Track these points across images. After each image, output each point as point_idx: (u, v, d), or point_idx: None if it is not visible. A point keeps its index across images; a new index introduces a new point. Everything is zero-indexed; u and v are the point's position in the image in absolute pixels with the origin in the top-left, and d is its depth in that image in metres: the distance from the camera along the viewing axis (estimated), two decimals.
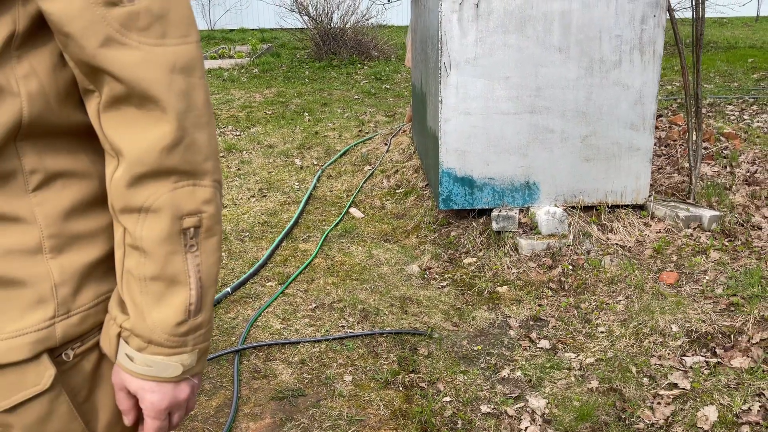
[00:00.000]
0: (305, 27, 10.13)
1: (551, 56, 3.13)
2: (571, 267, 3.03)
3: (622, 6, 3.08)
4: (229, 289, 2.92)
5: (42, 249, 0.67)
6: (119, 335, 0.71)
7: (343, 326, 2.65)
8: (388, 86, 8.08)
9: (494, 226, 3.26)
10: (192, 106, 0.65)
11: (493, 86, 3.16)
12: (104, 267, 0.72)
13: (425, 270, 3.16)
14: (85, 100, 0.67)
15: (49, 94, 0.64)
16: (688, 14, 9.92)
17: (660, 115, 5.17)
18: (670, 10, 3.15)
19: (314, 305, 2.82)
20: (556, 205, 3.32)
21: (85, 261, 0.70)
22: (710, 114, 5.34)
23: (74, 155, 0.69)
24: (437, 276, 3.11)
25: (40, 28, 0.63)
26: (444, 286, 3.01)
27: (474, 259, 3.20)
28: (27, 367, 0.67)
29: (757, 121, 5.05)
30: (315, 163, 4.97)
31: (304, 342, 2.52)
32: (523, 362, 2.41)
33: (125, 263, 0.69)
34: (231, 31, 13.76)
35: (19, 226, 0.66)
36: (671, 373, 2.29)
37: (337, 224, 3.74)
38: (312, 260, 3.26)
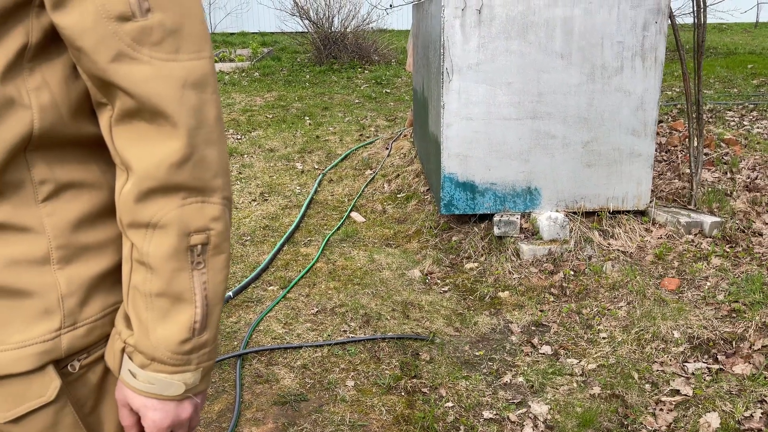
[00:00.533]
0: (306, 31, 10.15)
1: (553, 62, 3.14)
2: (572, 272, 3.03)
3: (624, 13, 3.09)
4: (230, 294, 2.92)
5: (50, 260, 0.66)
6: (123, 350, 0.70)
7: (345, 331, 2.65)
8: (388, 90, 8.09)
9: (496, 231, 3.27)
10: (203, 123, 0.65)
11: (495, 92, 3.17)
12: (112, 279, 0.72)
13: (427, 275, 3.16)
14: (98, 113, 0.67)
15: (61, 106, 0.64)
16: (689, 20, 9.95)
17: (660, 121, 5.19)
18: (671, 16, 3.17)
19: (316, 310, 2.82)
20: (557, 211, 3.32)
21: (93, 272, 0.69)
22: (710, 120, 5.35)
23: (85, 166, 0.68)
24: (439, 281, 3.11)
25: (53, 41, 0.63)
26: (445, 291, 3.01)
27: (475, 264, 3.20)
28: (32, 378, 0.66)
29: (757, 127, 5.06)
30: (316, 167, 4.97)
31: (306, 347, 2.51)
32: (525, 368, 2.41)
33: (132, 278, 0.68)
34: (231, 34, 13.78)
35: (28, 236, 0.65)
36: (673, 380, 2.29)
37: (338, 229, 3.74)
38: (313, 265, 3.26)
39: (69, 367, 0.69)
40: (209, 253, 0.68)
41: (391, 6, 5.15)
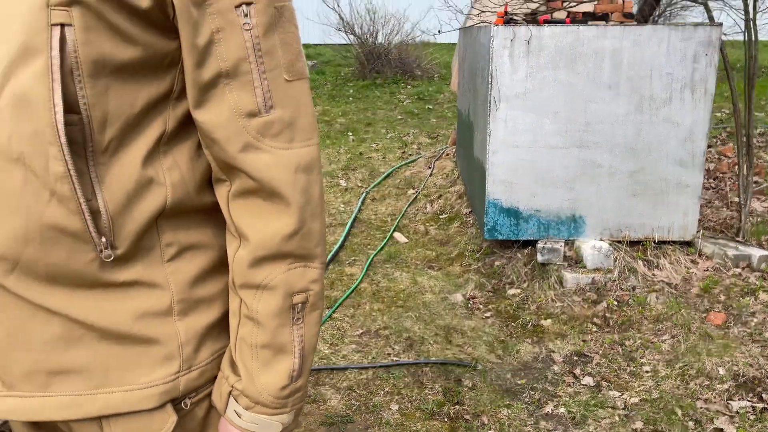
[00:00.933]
0: (349, 43, 10.32)
1: (601, 93, 3.17)
2: (616, 303, 3.04)
3: (674, 45, 3.10)
4: None
5: (172, 311, 0.77)
6: (230, 393, 0.80)
7: (389, 354, 2.72)
8: (431, 107, 8.16)
9: (539, 258, 3.30)
10: (310, 200, 0.75)
11: (541, 121, 3.21)
12: (219, 328, 0.82)
13: (469, 299, 3.21)
14: (215, 186, 0.77)
15: (188, 182, 0.75)
16: (738, 37, 9.73)
17: (709, 146, 5.12)
18: (722, 49, 3.16)
19: (361, 331, 2.90)
20: (601, 239, 3.33)
21: (205, 323, 0.80)
22: (761, 145, 5.25)
23: (202, 230, 0.79)
24: (481, 306, 3.16)
25: (183, 126, 0.74)
26: (488, 317, 3.06)
27: (518, 291, 3.24)
28: (154, 415, 0.77)
29: None
30: (359, 184, 5.07)
31: (352, 368, 2.60)
32: (567, 398, 2.44)
33: (239, 331, 0.78)
34: None
35: (156, 292, 0.76)
36: (717, 418, 2.29)
37: (381, 249, 3.82)
38: (358, 285, 3.35)
39: (182, 404, 0.79)
40: (307, 310, 0.78)
41: (439, 32, 5.25)
